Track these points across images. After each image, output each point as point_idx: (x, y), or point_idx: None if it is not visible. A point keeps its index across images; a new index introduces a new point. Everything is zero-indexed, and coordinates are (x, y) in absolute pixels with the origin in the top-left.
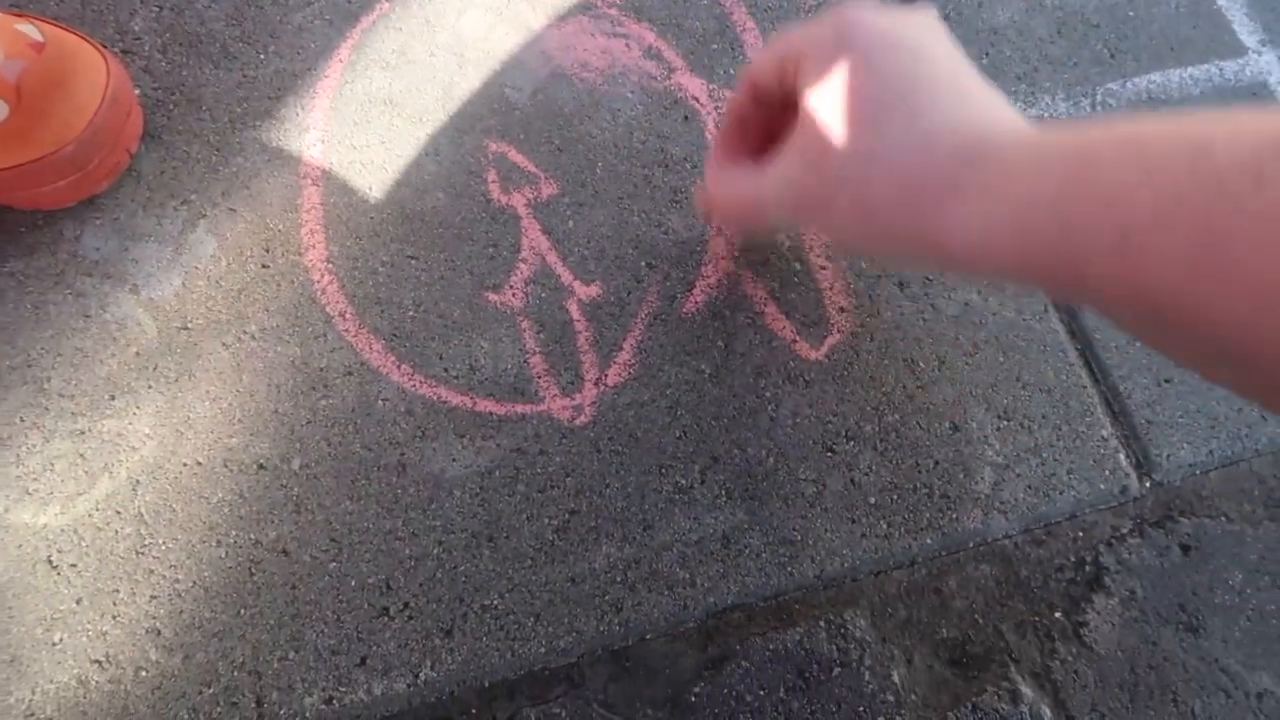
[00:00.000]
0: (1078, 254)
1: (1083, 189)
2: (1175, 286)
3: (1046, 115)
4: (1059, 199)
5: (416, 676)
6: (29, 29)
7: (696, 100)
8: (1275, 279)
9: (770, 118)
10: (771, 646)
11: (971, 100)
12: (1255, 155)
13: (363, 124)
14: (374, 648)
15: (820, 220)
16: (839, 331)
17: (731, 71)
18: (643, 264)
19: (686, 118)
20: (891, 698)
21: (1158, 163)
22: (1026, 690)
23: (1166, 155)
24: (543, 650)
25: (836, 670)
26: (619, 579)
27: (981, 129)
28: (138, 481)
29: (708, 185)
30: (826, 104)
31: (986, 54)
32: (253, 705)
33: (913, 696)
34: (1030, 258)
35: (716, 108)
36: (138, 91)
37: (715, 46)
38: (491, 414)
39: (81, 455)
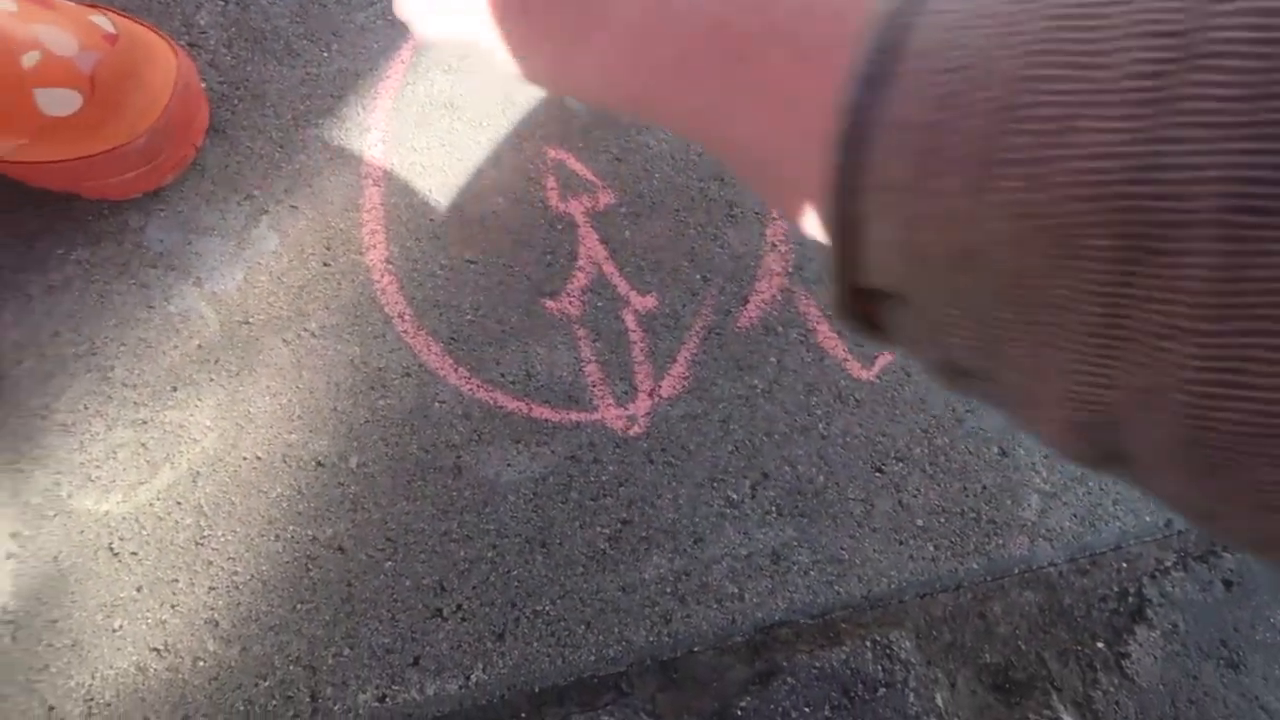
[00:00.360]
0: (646, 83)
1: (657, 22)
2: (710, 102)
3: None
4: (641, 31)
5: (468, 678)
6: (103, 21)
7: None
8: (774, 85)
9: None
10: (818, 664)
11: None
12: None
13: (424, 126)
14: (427, 648)
15: (482, 42)
16: (890, 352)
17: None
18: (698, 277)
19: None
20: None
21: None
22: (1068, 719)
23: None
24: (592, 658)
25: (881, 691)
26: (669, 590)
27: None
28: (198, 473)
29: None
30: None
31: None
32: (307, 700)
33: None
34: (621, 89)
35: None
36: (205, 86)
37: None
38: (547, 420)
39: (144, 445)
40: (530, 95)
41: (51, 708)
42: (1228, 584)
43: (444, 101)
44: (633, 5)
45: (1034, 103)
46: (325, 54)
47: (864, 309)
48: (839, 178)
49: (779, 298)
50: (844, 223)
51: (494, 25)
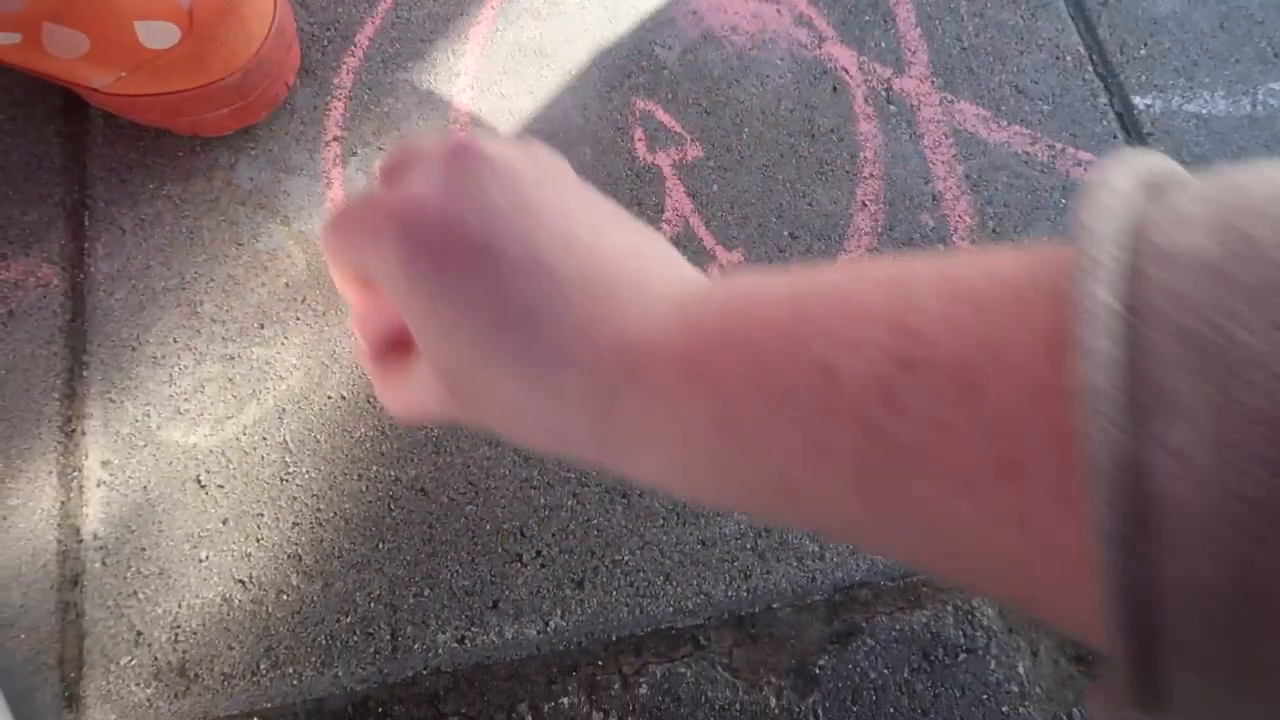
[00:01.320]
0: (748, 496)
1: (731, 431)
2: (851, 520)
3: (1205, 112)
4: (711, 439)
5: (547, 624)
6: None
7: (846, 72)
8: (934, 511)
9: None
10: (898, 626)
11: (599, 292)
12: (876, 377)
13: (512, 73)
14: (506, 592)
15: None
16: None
17: (883, 45)
18: (785, 234)
19: (835, 89)
20: (1016, 688)
21: (790, 396)
22: None
23: (796, 386)
24: (670, 610)
25: (962, 656)
26: (749, 546)
27: (624, 342)
28: (284, 410)
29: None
30: (427, 327)
31: (1145, 44)
32: (388, 637)
33: (1037, 689)
34: (712, 497)
35: (866, 80)
36: (296, 26)
37: (867, 18)
38: None
39: (231, 380)
40: (620, 45)
41: (140, 633)
42: None
43: (534, 48)
44: (673, 413)
45: None
46: None
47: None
48: (1131, 650)
49: (868, 257)
50: (1144, 686)
51: (501, 431)
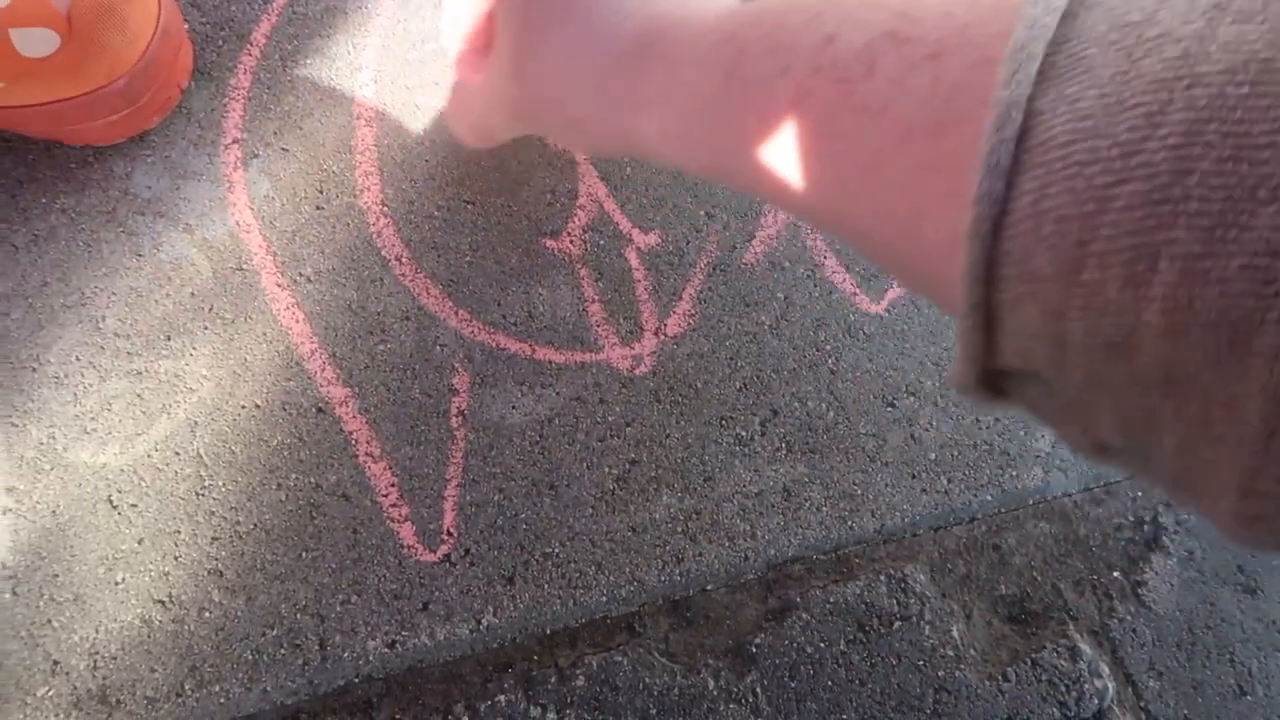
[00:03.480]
0: (727, 145)
1: (736, 80)
2: (806, 178)
3: None
4: (717, 102)
5: (479, 623)
6: None
7: None
8: (876, 166)
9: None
10: (832, 599)
11: None
12: (867, 43)
13: (415, 65)
14: (436, 593)
15: (538, 129)
16: (899, 286)
17: None
18: (701, 213)
19: None
20: (951, 652)
21: (793, 54)
22: (1085, 648)
23: (800, 45)
24: (604, 599)
25: (897, 624)
26: (680, 529)
27: (654, 15)
28: (196, 423)
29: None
30: (511, 3)
31: None
32: (316, 648)
33: (972, 652)
34: (695, 149)
35: None
36: (187, 26)
37: None
38: (551, 362)
39: (139, 395)
40: None
41: (56, 662)
42: None
43: (436, 38)
44: (696, 77)
45: (1187, 196)
46: None
47: (990, 380)
48: (977, 268)
49: (784, 233)
50: (983, 310)
51: (546, 108)
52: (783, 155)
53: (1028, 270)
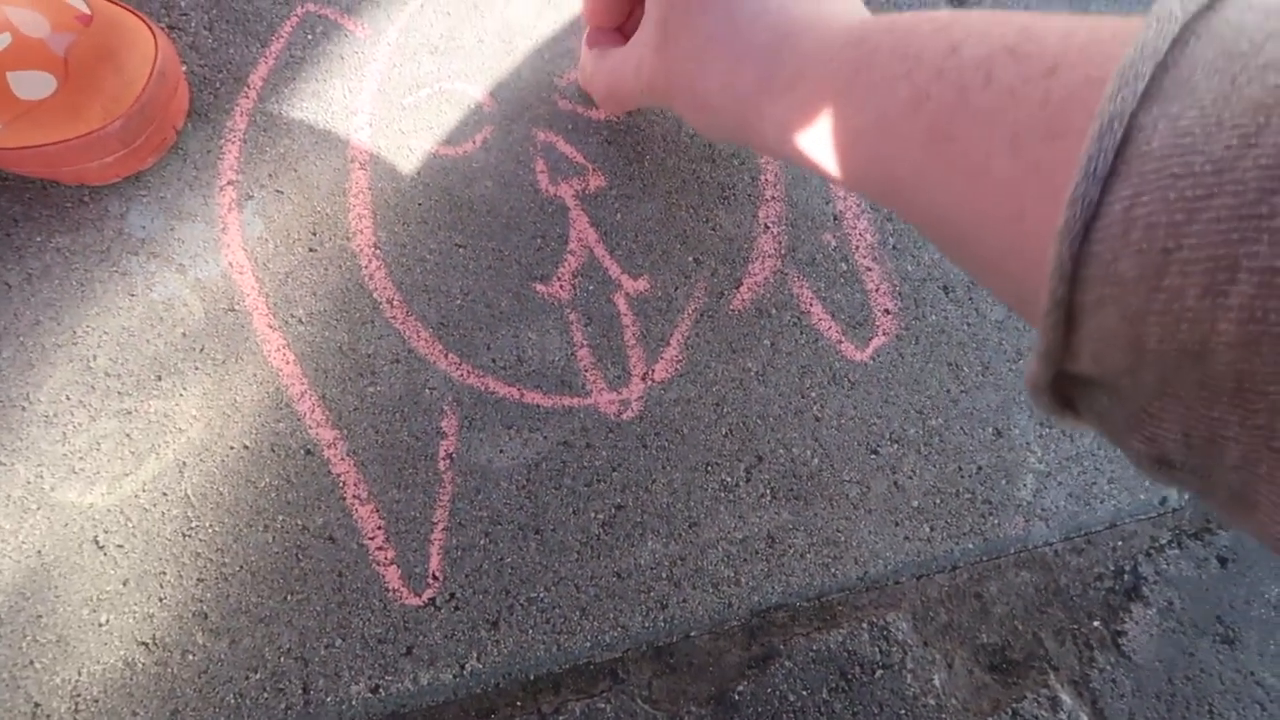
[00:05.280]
0: (846, 140)
1: (860, 77)
2: (913, 174)
3: None
4: (839, 96)
5: (463, 668)
6: (77, 1)
7: None
8: (984, 168)
9: None
10: (815, 647)
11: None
12: (989, 55)
13: (410, 109)
14: (420, 637)
15: (668, 105)
16: (884, 334)
17: None
18: (690, 259)
19: None
20: (933, 701)
21: (918, 60)
22: (1065, 698)
23: (926, 52)
24: (588, 645)
25: (879, 672)
26: (664, 575)
27: (793, 16)
28: (184, 464)
29: (581, 63)
30: None
31: None
32: (299, 691)
33: (953, 701)
34: (817, 154)
35: None
36: (184, 68)
37: None
38: (539, 406)
39: (128, 435)
40: (519, 77)
41: (37, 704)
42: (1223, 561)
43: (431, 83)
44: (824, 72)
45: (1273, 214)
46: (309, 36)
47: (1061, 389)
48: (1065, 266)
49: (772, 280)
50: (1065, 310)
51: (682, 86)
52: (897, 153)
53: (1113, 272)
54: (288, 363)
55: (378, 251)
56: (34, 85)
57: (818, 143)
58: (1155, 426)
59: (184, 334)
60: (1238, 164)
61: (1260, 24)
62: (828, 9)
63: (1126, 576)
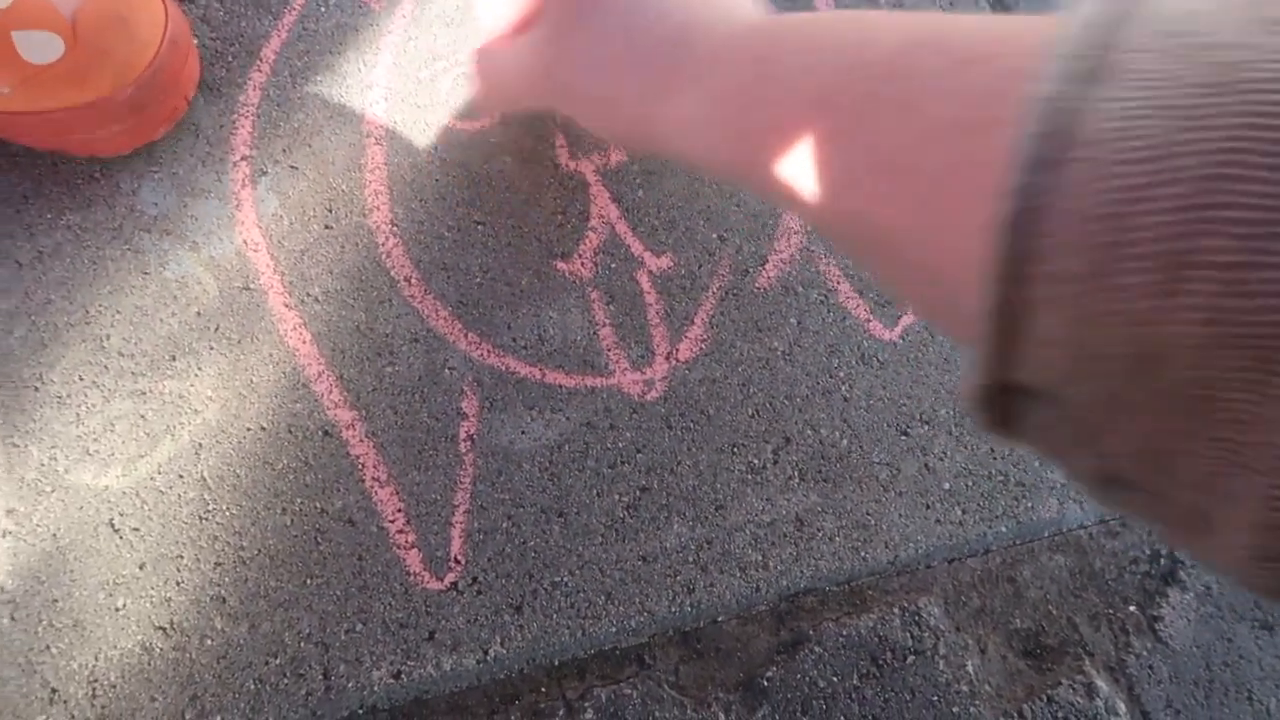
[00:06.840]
0: (748, 143)
1: (764, 73)
2: (821, 175)
3: None
4: (741, 93)
5: (486, 653)
6: None
7: None
8: (897, 164)
9: None
10: (845, 632)
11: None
12: (899, 48)
13: (427, 83)
14: (442, 622)
15: (562, 104)
16: (911, 310)
17: None
18: (714, 236)
19: None
20: (966, 688)
21: (821, 55)
22: (1101, 684)
23: (831, 47)
24: (613, 629)
25: (911, 658)
26: (691, 559)
27: (694, 14)
28: (200, 445)
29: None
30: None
31: None
32: (320, 677)
33: (987, 687)
34: (720, 156)
35: None
36: (197, 42)
37: None
38: (561, 386)
39: (143, 416)
40: None
41: (54, 690)
42: None
43: (448, 56)
44: (727, 69)
45: (1228, 203)
46: (323, 8)
47: (1002, 402)
48: (1004, 265)
49: (798, 257)
50: (1005, 313)
51: (576, 86)
52: (803, 151)
53: (1057, 270)
54: (304, 342)
55: (395, 228)
56: (41, 47)
57: (720, 144)
58: (1105, 442)
59: (198, 313)
60: (1187, 148)
61: (1192, 1)
62: (729, 7)
63: (1163, 560)
